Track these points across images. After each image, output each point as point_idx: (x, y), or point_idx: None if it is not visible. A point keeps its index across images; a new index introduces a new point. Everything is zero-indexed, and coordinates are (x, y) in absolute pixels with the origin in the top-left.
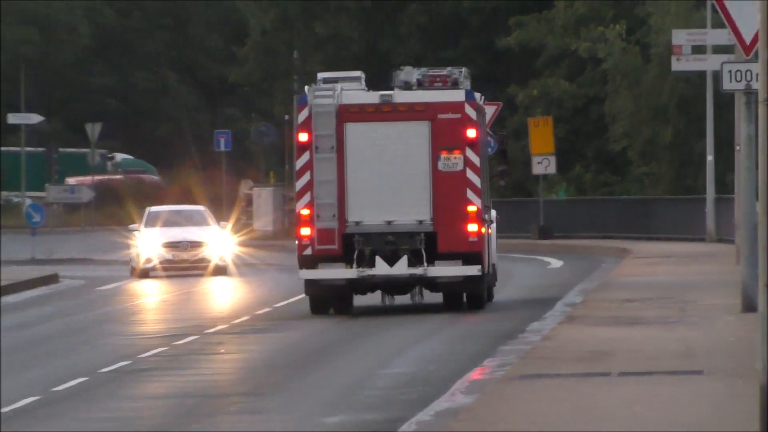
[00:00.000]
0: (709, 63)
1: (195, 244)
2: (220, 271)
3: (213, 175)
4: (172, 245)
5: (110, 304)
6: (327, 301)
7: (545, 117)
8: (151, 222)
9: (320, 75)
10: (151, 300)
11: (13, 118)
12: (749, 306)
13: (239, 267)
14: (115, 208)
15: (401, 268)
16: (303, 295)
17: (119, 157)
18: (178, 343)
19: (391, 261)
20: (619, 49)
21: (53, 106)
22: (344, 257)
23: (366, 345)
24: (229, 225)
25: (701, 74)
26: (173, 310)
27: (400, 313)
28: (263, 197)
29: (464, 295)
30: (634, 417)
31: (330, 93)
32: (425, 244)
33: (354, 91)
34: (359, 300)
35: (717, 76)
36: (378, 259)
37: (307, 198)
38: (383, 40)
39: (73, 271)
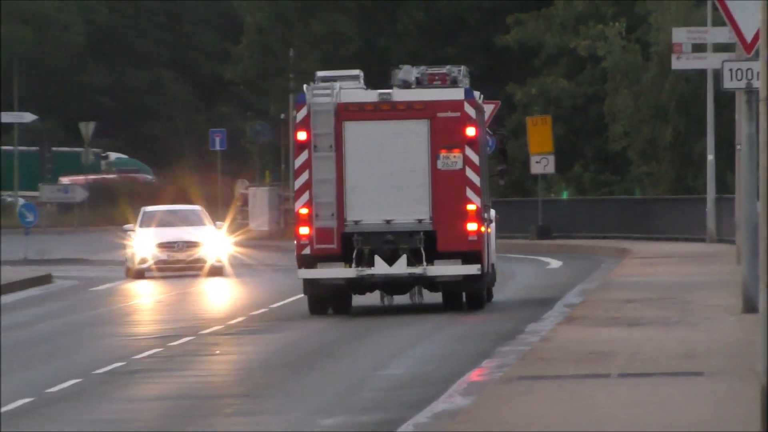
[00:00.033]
0: (710, 61)
1: (190, 245)
2: (216, 271)
3: (208, 174)
4: (167, 245)
5: (104, 305)
6: (326, 300)
7: (544, 116)
8: (146, 222)
9: (319, 74)
10: (145, 301)
11: (6, 117)
12: (750, 307)
13: (235, 267)
14: (109, 207)
15: (400, 267)
16: (299, 296)
17: (113, 156)
18: (173, 344)
19: (391, 260)
20: (618, 47)
21: (47, 104)
22: (343, 257)
23: (363, 346)
24: (225, 225)
25: (701, 73)
26: (168, 311)
27: (399, 313)
28: (259, 197)
29: (464, 294)
30: (634, 418)
31: (329, 92)
32: (424, 244)
33: (353, 89)
34: (358, 300)
35: (717, 74)
36: (377, 259)
37: (305, 197)
38: (381, 38)
39: (67, 271)
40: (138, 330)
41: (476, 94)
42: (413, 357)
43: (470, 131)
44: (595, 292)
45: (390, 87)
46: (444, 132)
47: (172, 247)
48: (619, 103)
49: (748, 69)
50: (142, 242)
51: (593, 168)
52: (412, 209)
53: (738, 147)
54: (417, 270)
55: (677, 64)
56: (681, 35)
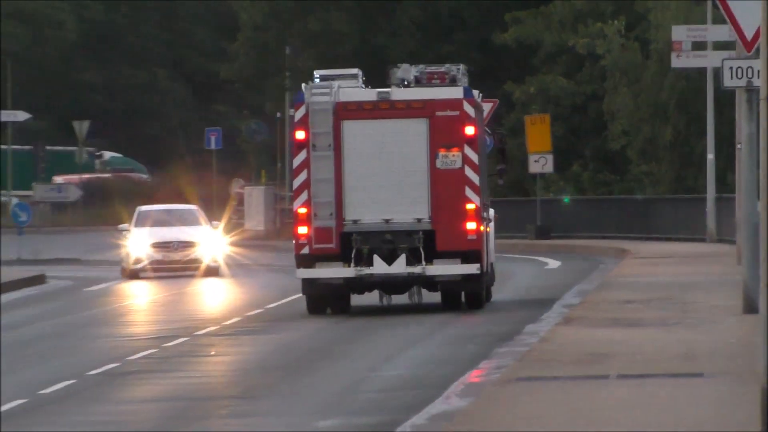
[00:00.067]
0: (710, 59)
1: (186, 245)
2: (212, 272)
3: (203, 173)
4: (162, 245)
5: (98, 306)
6: (324, 300)
7: (542, 114)
8: (141, 222)
9: (317, 72)
10: (140, 301)
11: None
12: (750, 307)
13: (231, 267)
14: (103, 207)
15: (399, 266)
16: (295, 296)
17: (107, 155)
18: (167, 345)
19: (390, 260)
20: (618, 45)
21: (40, 103)
22: (342, 256)
23: (361, 346)
24: (221, 225)
25: (701, 71)
26: (163, 312)
27: (398, 313)
28: (255, 196)
29: (463, 294)
30: (634, 420)
31: (327, 90)
32: (424, 243)
33: (351, 88)
34: (356, 299)
35: (718, 72)
36: (376, 258)
37: (304, 196)
38: (378, 36)
39: (61, 271)
40: (132, 331)
41: (475, 92)
42: (411, 358)
43: (469, 130)
44: (594, 293)
45: (388, 86)
46: (443, 131)
47: (167, 247)
48: (618, 102)
49: (748, 67)
50: (137, 242)
51: (592, 167)
52: (411, 208)
53: (738, 146)
54: (416, 269)
55: (677, 62)
56: (681, 33)
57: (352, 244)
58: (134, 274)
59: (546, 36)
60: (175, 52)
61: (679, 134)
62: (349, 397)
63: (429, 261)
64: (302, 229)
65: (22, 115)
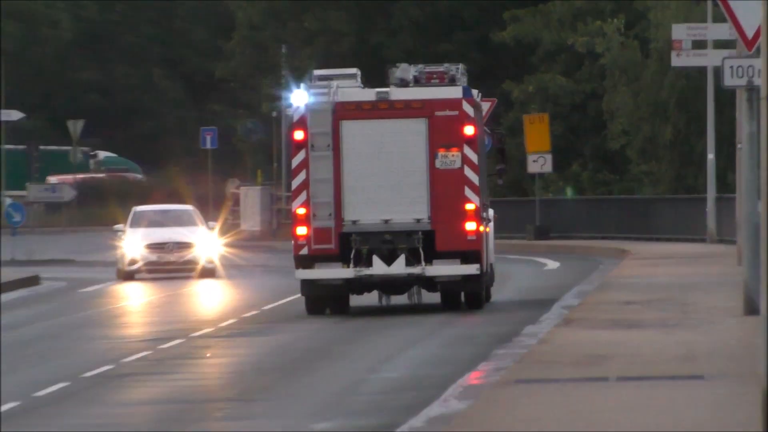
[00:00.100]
0: (710, 58)
1: (182, 246)
2: (208, 273)
3: (199, 173)
4: (157, 246)
5: (93, 307)
6: (323, 301)
7: (541, 114)
8: (137, 222)
9: (316, 72)
10: (135, 302)
11: None
12: (751, 308)
13: (226, 269)
14: (97, 207)
15: (399, 267)
16: (292, 297)
17: (102, 154)
18: (163, 346)
19: (389, 260)
20: (617, 43)
21: (34, 102)
22: (341, 257)
23: (359, 347)
24: (218, 225)
25: (701, 70)
26: (158, 313)
27: (397, 313)
28: (251, 197)
29: (462, 294)
30: (633, 422)
31: (326, 90)
32: (423, 243)
33: (350, 88)
34: (356, 299)
35: (718, 71)
36: (375, 259)
37: (303, 197)
38: (375, 35)
39: (55, 272)
40: (127, 332)
41: (474, 92)
42: (410, 359)
43: (468, 130)
44: (594, 294)
45: (387, 85)
46: (442, 131)
47: (162, 248)
48: (617, 101)
49: (749, 66)
50: (132, 243)
51: (591, 167)
52: (410, 209)
53: (739, 146)
54: (415, 270)
55: (677, 61)
56: (681, 32)
57: (352, 244)
58: (129, 276)
59: (545, 34)
60: (171, 51)
61: (679, 133)
62: (347, 398)
63: (428, 261)
64: (301, 230)
65: (15, 115)
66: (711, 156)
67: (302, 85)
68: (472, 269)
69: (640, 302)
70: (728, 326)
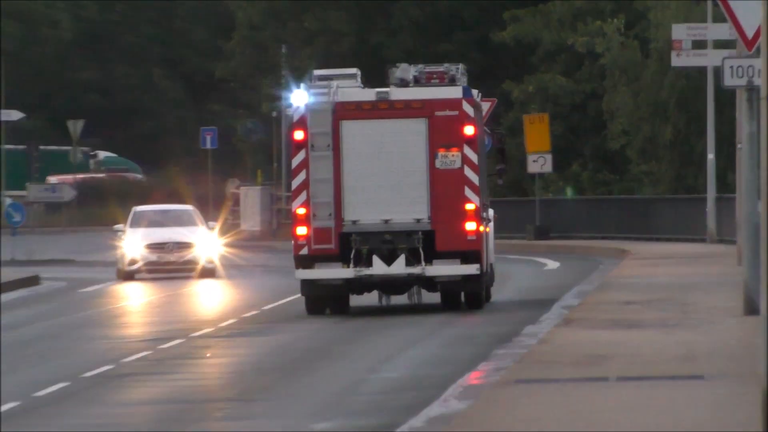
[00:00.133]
0: (710, 58)
1: (182, 246)
2: (209, 273)
3: (199, 173)
4: (157, 246)
5: (93, 307)
6: (323, 301)
7: (541, 114)
8: (137, 222)
9: (316, 72)
10: (135, 302)
11: None
12: (751, 308)
13: (226, 269)
14: (97, 207)
15: (399, 267)
16: (292, 297)
17: (102, 154)
18: (163, 346)
19: (389, 260)
20: (617, 43)
21: (34, 102)
22: (341, 257)
23: (359, 347)
24: (218, 225)
25: (701, 70)
26: (158, 313)
27: (397, 313)
28: (251, 197)
29: (462, 294)
30: (633, 422)
31: (326, 90)
32: (423, 243)
33: (350, 88)
34: (356, 299)
35: (718, 71)
36: (375, 259)
37: (303, 197)
38: (375, 35)
39: (55, 272)
40: (127, 332)
41: (474, 92)
42: (410, 359)
43: (468, 130)
44: (594, 294)
45: (387, 85)
46: (442, 131)
47: (162, 248)
48: (617, 101)
49: (749, 66)
50: (132, 243)
51: (591, 167)
52: (410, 209)
53: (739, 146)
54: (415, 270)
55: (677, 61)
56: (681, 32)
57: (352, 244)
58: (129, 276)
59: (545, 34)
60: (171, 51)
61: (679, 133)
62: (347, 398)
63: (428, 261)
64: (301, 230)
65: (15, 115)
66: (711, 156)
67: (302, 85)
68: (472, 269)
69: (640, 302)
70: (728, 326)
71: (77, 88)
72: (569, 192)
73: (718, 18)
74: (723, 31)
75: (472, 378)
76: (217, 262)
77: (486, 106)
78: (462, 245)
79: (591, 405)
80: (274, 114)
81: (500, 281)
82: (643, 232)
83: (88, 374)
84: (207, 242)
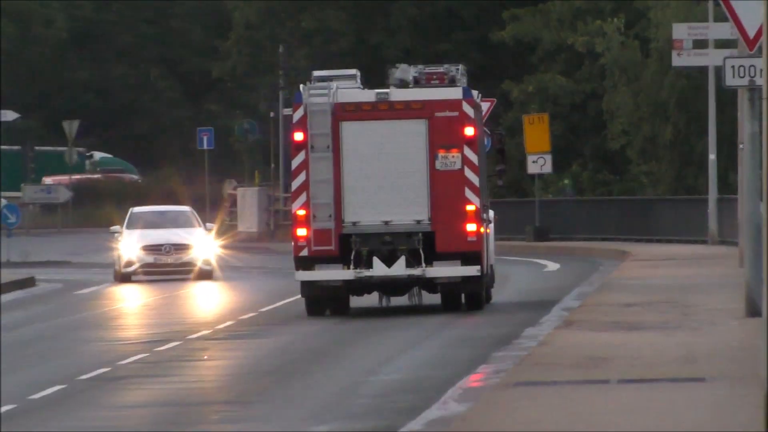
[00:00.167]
0: (711, 58)
1: (179, 247)
2: (206, 275)
3: (195, 174)
4: (153, 248)
5: (89, 309)
6: (323, 302)
7: (541, 114)
8: (133, 223)
9: (315, 73)
10: (131, 304)
11: None
12: (753, 310)
13: (223, 270)
14: (93, 208)
15: (399, 268)
16: (290, 299)
17: (98, 155)
18: (159, 349)
19: (389, 261)
20: (617, 43)
21: (29, 102)
22: (341, 258)
23: (358, 349)
24: (215, 227)
25: (702, 69)
26: (154, 315)
27: (397, 314)
28: (248, 198)
29: (463, 296)
30: (633, 425)
31: (325, 91)
32: (423, 244)
33: (349, 89)
34: (356, 301)
35: (719, 71)
36: (375, 260)
37: (303, 198)
38: (373, 34)
39: (50, 274)
40: (123, 335)
41: (474, 93)
42: (408, 361)
43: (469, 131)
44: (594, 296)
45: (387, 86)
46: (442, 132)
47: (159, 250)
48: (617, 101)
49: (750, 66)
50: (129, 245)
51: (591, 167)
52: (410, 210)
53: (740, 146)
54: (416, 271)
55: (678, 60)
56: (682, 31)
57: (352, 245)
58: (126, 278)
59: (545, 34)
60: (167, 51)
61: (680, 133)
62: (345, 401)
63: (429, 263)
64: (301, 231)
65: (10, 115)
66: (712, 156)
67: (302, 86)
68: (472, 270)
69: (641, 304)
70: (730, 328)
71: (73, 88)
72: (567, 182)
73: (719, 17)
74: (724, 30)
75: (472, 380)
76: (215, 264)
77: (485, 106)
78: (462, 246)
79: (591, 407)
80: (272, 114)
81: (500, 283)
82: (644, 233)
83: (84, 377)
84: (204, 244)
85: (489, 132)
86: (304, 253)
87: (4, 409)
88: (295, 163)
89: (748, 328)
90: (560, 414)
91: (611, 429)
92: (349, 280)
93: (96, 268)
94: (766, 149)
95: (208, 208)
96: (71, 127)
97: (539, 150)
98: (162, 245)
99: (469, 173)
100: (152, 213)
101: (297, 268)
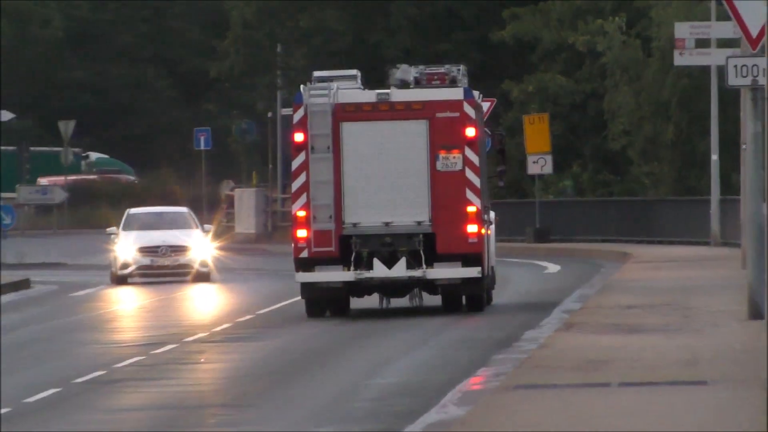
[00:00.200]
0: (714, 57)
1: (175, 249)
2: (203, 277)
3: (192, 175)
4: (150, 250)
5: (84, 311)
6: (323, 304)
7: (541, 114)
8: (130, 225)
9: (315, 74)
10: (127, 307)
11: None
12: (756, 312)
13: (221, 272)
14: (89, 209)
15: (400, 270)
16: (287, 301)
17: (94, 156)
18: (155, 352)
19: (390, 263)
20: (618, 42)
21: (25, 102)
22: (341, 259)
23: (356, 352)
24: (213, 228)
25: (704, 69)
26: (151, 318)
27: (397, 316)
28: (245, 199)
29: (463, 297)
30: (634, 428)
31: (326, 92)
32: (424, 246)
33: (350, 89)
34: (356, 302)
35: (721, 70)
36: (376, 261)
37: (303, 199)
38: (372, 33)
39: (46, 276)
40: (119, 337)
41: (475, 93)
42: (407, 364)
43: (470, 131)
44: (595, 298)
45: (387, 86)
46: (443, 132)
47: (155, 252)
48: (619, 100)
49: (753, 65)
50: (125, 246)
51: (592, 167)
52: (411, 211)
53: (743, 146)
54: (416, 273)
55: (680, 60)
56: (684, 30)
57: (352, 247)
58: (122, 280)
59: (545, 33)
60: (164, 51)
61: (681, 133)
62: (343, 404)
63: (429, 264)
64: (301, 233)
65: (5, 115)
66: (715, 157)
67: (302, 86)
68: (473, 272)
69: (642, 306)
70: (732, 330)
71: (69, 88)
72: (568, 183)
73: (722, 16)
74: (727, 29)
75: (472, 383)
76: (212, 266)
77: (485, 106)
78: (463, 248)
79: (592, 411)
80: (270, 114)
81: (500, 284)
82: (645, 234)
83: (80, 380)
84: (201, 245)
85: (489, 132)
86: (304, 254)
87: None
88: (296, 164)
89: (751, 330)
90: (560, 417)
91: None
92: (350, 282)
93: (92, 270)
94: None
95: (205, 209)
96: (67, 127)
97: (539, 150)
98: (158, 247)
99: (470, 174)
100: (149, 214)
101: (297, 270)
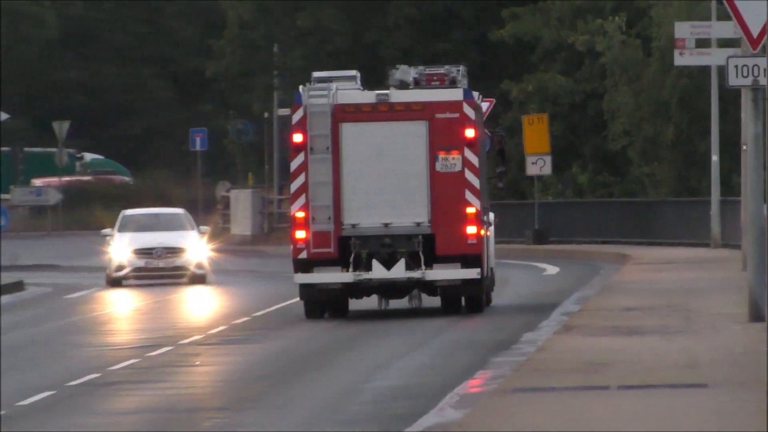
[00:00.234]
0: (714, 57)
1: (171, 251)
2: (199, 279)
3: (188, 176)
4: (145, 252)
5: (79, 313)
6: (322, 305)
7: (540, 114)
8: (125, 226)
9: (315, 74)
10: (122, 309)
11: None
12: (757, 315)
13: (216, 274)
14: (84, 211)
15: (399, 271)
16: (284, 303)
17: (88, 157)
18: (151, 354)
19: (389, 264)
20: (618, 42)
21: (18, 102)
22: (340, 261)
23: (355, 354)
24: (209, 230)
25: (704, 69)
26: (146, 320)
27: (396, 317)
28: (241, 200)
29: (462, 299)
30: (634, 431)
31: (325, 93)
32: (423, 247)
33: (349, 90)
34: (355, 304)
35: (722, 71)
36: (375, 263)
37: (302, 200)
38: (369, 33)
39: (40, 278)
40: (114, 340)
41: (475, 94)
42: (405, 367)
43: (469, 132)
44: (594, 300)
45: (387, 87)
46: (443, 133)
47: (150, 254)
48: (618, 100)
49: (754, 65)
50: (120, 248)
51: (591, 168)
52: (410, 212)
53: (744, 147)
54: (415, 274)
55: (680, 60)
56: (684, 30)
57: (351, 248)
58: (117, 282)
59: (544, 33)
60: (160, 50)
61: (682, 133)
62: (340, 407)
63: (428, 265)
64: (300, 234)
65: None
66: (715, 157)
67: (301, 87)
68: (472, 273)
69: (642, 308)
70: (732, 333)
71: (63, 88)
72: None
73: (722, 16)
74: (727, 29)
75: (470, 386)
76: (208, 268)
77: (485, 106)
78: (462, 249)
79: (590, 414)
80: (266, 115)
81: (499, 286)
82: (645, 236)
83: (74, 382)
84: (197, 247)
85: (489, 133)
86: (303, 255)
87: None
88: (294, 164)
89: (751, 332)
90: (559, 421)
91: None
92: (348, 283)
93: (86, 271)
94: None
95: (201, 210)
96: (61, 127)
97: (539, 151)
98: (154, 248)
99: (469, 175)
100: (144, 215)
101: (296, 271)
